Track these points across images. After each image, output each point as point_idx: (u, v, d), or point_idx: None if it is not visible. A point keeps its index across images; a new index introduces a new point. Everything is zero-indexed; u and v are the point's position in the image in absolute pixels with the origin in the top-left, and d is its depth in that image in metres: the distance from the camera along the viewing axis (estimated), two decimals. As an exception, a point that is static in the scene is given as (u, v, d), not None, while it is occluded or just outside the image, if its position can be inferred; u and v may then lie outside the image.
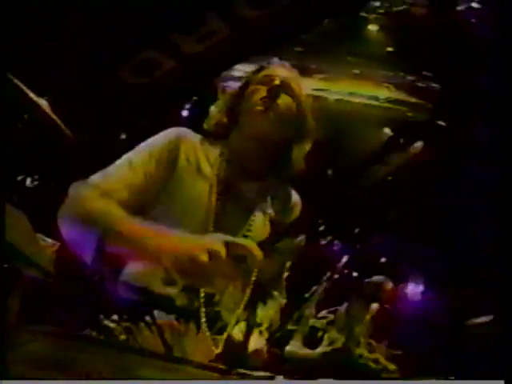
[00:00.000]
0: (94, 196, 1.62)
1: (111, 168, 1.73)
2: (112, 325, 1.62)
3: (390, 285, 4.65)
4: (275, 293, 1.89)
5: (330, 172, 5.94)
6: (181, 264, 1.45)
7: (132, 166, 1.71)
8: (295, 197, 1.94)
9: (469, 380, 1.35)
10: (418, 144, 4.50)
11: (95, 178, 1.69)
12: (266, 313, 1.80)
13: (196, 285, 1.62)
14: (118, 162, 1.74)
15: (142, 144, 1.78)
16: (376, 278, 4.58)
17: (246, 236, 1.78)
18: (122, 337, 1.59)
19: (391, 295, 4.59)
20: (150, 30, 1.17)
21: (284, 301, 1.89)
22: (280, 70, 1.86)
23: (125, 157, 1.75)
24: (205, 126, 1.90)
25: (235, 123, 1.86)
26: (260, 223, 1.82)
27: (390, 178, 5.78)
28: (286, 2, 1.18)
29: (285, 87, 1.82)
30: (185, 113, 4.79)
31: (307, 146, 1.89)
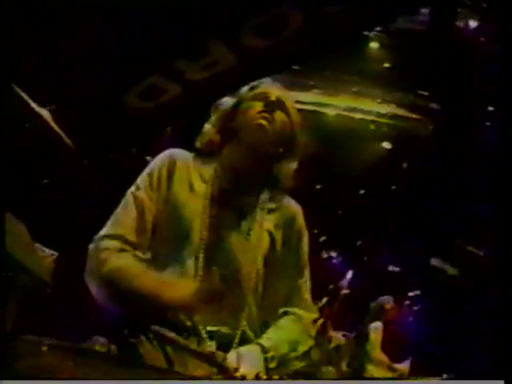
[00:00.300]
0: (110, 256, 1.74)
1: (119, 211, 1.81)
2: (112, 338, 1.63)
3: (390, 303, 4.68)
4: (297, 311, 1.86)
5: (328, 185, 5.95)
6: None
7: (138, 202, 1.77)
8: (295, 207, 1.94)
9: (469, 380, 1.35)
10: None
11: (107, 230, 1.79)
12: (279, 338, 1.78)
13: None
14: (124, 201, 1.79)
15: (142, 175, 1.83)
16: (381, 298, 4.61)
17: (243, 250, 1.79)
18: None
19: (392, 313, 4.62)
20: (155, 56, 1.17)
21: (313, 315, 1.83)
22: (272, 88, 1.88)
23: (129, 193, 1.80)
24: (197, 144, 1.92)
25: (228, 139, 1.88)
26: (257, 237, 1.82)
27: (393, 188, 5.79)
28: (291, 32, 1.18)
29: (280, 104, 1.84)
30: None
31: (295, 165, 1.91)
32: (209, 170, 1.87)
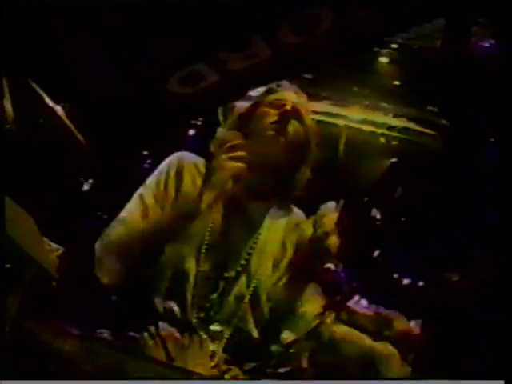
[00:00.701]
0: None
1: (123, 213, 1.82)
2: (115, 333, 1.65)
3: (403, 323, 4.58)
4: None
5: (338, 198, 5.94)
6: None
7: (144, 201, 1.80)
8: (302, 215, 1.95)
9: (469, 380, 1.35)
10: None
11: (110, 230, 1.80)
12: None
13: None
14: (129, 203, 1.81)
15: (150, 177, 1.85)
16: (388, 312, 4.53)
17: (249, 254, 1.81)
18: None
19: (404, 332, 4.54)
20: (202, 46, 1.30)
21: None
22: (289, 94, 1.87)
23: (135, 195, 1.82)
24: (211, 147, 1.92)
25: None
26: (266, 242, 1.84)
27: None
28: (322, 30, 1.31)
29: (295, 113, 1.83)
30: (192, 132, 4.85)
31: (308, 172, 1.91)
32: None
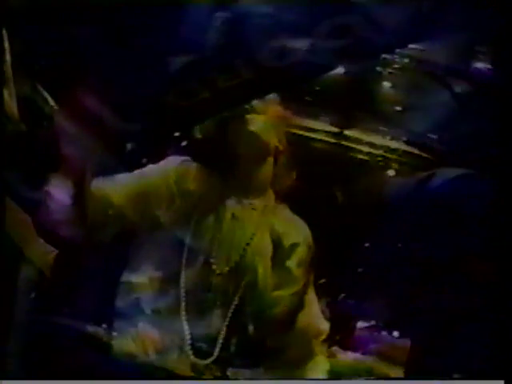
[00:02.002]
0: None
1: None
2: (99, 332, 1.66)
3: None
4: None
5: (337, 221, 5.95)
6: None
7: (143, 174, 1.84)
8: (299, 222, 2.00)
9: (469, 380, 1.36)
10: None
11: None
12: None
13: None
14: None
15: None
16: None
17: (244, 249, 1.84)
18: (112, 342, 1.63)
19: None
20: (195, 67, 1.61)
21: None
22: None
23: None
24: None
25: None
26: (260, 240, 1.88)
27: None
28: (299, 57, 1.63)
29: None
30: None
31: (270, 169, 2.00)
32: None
